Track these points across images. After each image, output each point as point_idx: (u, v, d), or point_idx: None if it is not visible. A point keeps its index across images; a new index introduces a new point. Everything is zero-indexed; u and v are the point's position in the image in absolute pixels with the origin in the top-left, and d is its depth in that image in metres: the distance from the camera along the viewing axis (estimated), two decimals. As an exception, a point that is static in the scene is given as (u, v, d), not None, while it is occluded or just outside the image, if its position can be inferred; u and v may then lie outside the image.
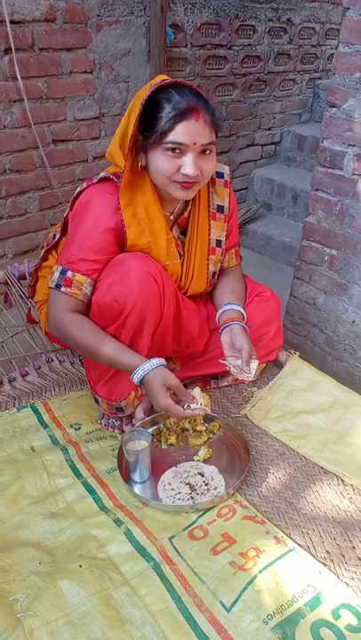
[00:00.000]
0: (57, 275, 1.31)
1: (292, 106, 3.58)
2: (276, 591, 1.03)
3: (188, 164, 1.23)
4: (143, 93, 1.24)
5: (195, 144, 1.22)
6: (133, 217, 1.30)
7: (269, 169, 3.55)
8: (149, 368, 1.25)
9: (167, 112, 1.20)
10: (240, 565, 1.08)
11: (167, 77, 1.27)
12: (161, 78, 1.26)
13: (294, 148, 3.55)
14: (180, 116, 1.19)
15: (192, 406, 1.27)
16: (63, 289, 1.30)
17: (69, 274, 1.29)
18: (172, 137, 1.21)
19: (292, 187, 3.27)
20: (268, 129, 3.50)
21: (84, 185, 1.39)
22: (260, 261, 3.13)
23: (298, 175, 3.40)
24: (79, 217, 1.32)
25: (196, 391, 1.30)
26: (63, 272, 1.30)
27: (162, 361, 1.27)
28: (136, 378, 1.26)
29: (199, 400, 1.28)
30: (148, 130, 1.24)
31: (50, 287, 1.32)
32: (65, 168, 2.50)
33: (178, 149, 1.22)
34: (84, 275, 1.30)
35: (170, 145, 1.22)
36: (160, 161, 1.25)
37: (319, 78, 3.66)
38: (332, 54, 3.65)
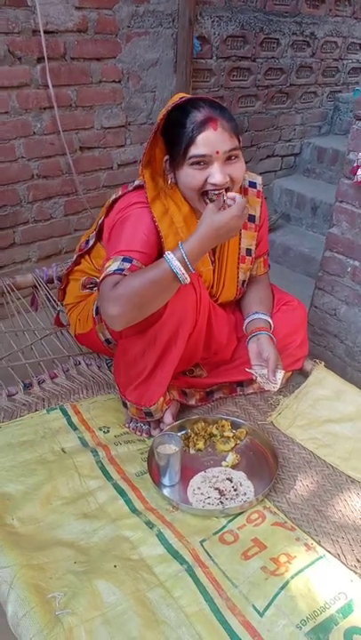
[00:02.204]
0: (118, 262, 1.24)
1: (312, 118, 3.62)
2: (308, 597, 1.04)
3: (216, 173, 1.25)
4: (162, 114, 1.28)
5: (217, 153, 1.24)
6: (170, 227, 1.32)
7: (289, 180, 3.58)
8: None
9: (185, 128, 1.24)
10: (272, 571, 1.09)
11: (185, 95, 1.31)
12: (179, 96, 1.30)
13: (314, 160, 3.58)
14: (198, 128, 1.23)
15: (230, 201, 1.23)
16: (127, 272, 1.23)
17: (135, 262, 1.24)
18: (193, 151, 1.24)
19: (312, 198, 3.30)
20: (289, 140, 3.53)
21: (120, 192, 1.42)
22: (278, 271, 3.14)
23: (317, 187, 3.43)
24: (122, 219, 1.34)
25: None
26: (128, 260, 1.24)
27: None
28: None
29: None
30: (173, 149, 1.28)
31: (105, 276, 1.24)
32: (90, 175, 2.54)
33: (202, 162, 1.25)
34: (143, 264, 1.27)
35: (193, 159, 1.25)
36: (188, 176, 1.28)
37: (340, 91, 3.70)
38: (353, 68, 3.69)
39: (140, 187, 1.37)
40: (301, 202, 3.38)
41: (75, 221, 2.59)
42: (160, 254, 1.33)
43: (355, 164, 1.77)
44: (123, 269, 1.23)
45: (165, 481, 1.31)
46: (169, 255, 1.18)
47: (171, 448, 1.31)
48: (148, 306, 1.23)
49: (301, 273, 3.11)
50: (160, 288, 1.20)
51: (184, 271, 1.17)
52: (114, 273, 1.23)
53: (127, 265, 1.24)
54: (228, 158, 1.27)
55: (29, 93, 2.17)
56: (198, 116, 1.23)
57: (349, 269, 1.99)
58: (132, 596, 1.01)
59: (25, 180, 2.32)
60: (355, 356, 2.06)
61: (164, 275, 1.17)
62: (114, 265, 1.24)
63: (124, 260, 1.25)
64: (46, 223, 2.48)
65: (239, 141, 1.30)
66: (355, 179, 1.77)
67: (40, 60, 2.14)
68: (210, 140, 1.23)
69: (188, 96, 1.29)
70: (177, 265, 1.16)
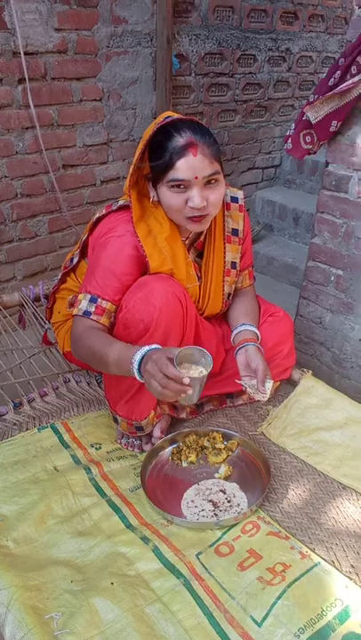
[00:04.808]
0: (86, 303, 1.33)
1: (290, 130, 3.69)
2: (305, 605, 1.05)
3: (195, 197, 1.28)
4: (148, 134, 1.30)
5: (196, 178, 1.26)
6: (154, 246, 1.34)
7: (270, 191, 3.63)
8: (147, 350, 1.18)
9: (166, 151, 1.26)
10: (268, 580, 1.10)
11: (172, 114, 1.33)
12: (164, 116, 1.32)
13: (294, 171, 3.65)
14: (178, 153, 1.25)
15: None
16: (94, 317, 1.33)
17: (100, 302, 1.32)
18: (172, 175, 1.27)
19: (293, 208, 3.35)
20: (269, 152, 3.60)
21: (103, 211, 1.44)
22: (262, 282, 3.18)
23: (298, 197, 3.49)
24: (102, 244, 1.36)
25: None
26: (93, 300, 1.33)
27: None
28: (136, 358, 1.18)
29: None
30: (154, 170, 1.31)
31: (76, 315, 1.34)
32: (74, 192, 2.56)
33: (182, 185, 1.28)
34: (113, 303, 1.34)
35: (172, 182, 1.28)
36: (167, 197, 1.31)
37: (316, 104, 3.78)
38: (328, 81, 3.77)
39: (124, 207, 1.39)
40: (283, 212, 3.43)
41: (59, 238, 2.60)
42: (144, 272, 1.35)
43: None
44: (90, 312, 1.33)
45: (183, 400, 1.21)
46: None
47: (196, 369, 1.22)
48: (92, 361, 1.34)
49: (286, 282, 3.15)
50: (103, 365, 1.29)
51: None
52: (83, 315, 1.33)
53: (93, 307, 1.33)
54: (208, 182, 1.29)
55: (11, 114, 2.19)
56: (180, 140, 1.25)
57: (333, 278, 2.02)
58: (130, 613, 1.01)
59: (9, 198, 2.33)
60: (341, 364, 2.09)
61: (109, 362, 1.25)
62: (83, 304, 1.34)
63: (91, 299, 1.34)
64: (31, 241, 2.49)
65: (221, 165, 1.32)
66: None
67: (21, 80, 2.16)
68: (189, 165, 1.25)
69: (175, 116, 1.31)
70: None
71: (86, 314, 1.33)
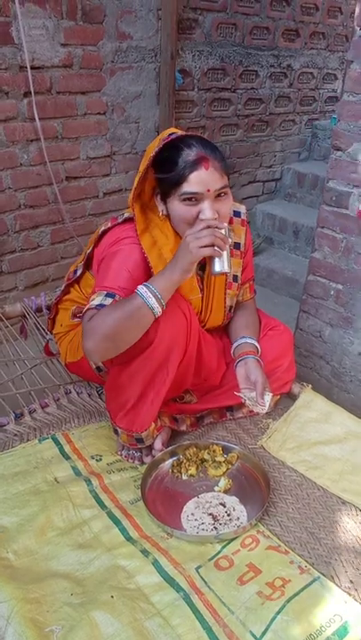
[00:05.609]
0: (101, 298, 1.29)
1: (291, 145, 3.74)
2: (304, 621, 1.05)
3: (206, 209, 1.29)
4: (152, 150, 1.31)
5: (208, 191, 1.29)
6: (159, 257, 1.36)
7: (270, 204, 3.67)
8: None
9: (177, 165, 1.28)
10: (267, 595, 1.10)
11: (176, 130, 1.35)
12: (169, 132, 1.34)
13: (294, 185, 3.69)
14: (191, 167, 1.27)
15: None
16: None
17: (118, 298, 1.29)
18: (185, 188, 1.29)
19: (294, 222, 3.38)
20: (270, 166, 3.64)
21: (109, 224, 1.45)
22: (262, 294, 3.19)
23: (298, 210, 3.52)
24: (111, 253, 1.37)
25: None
26: (110, 295, 1.29)
27: None
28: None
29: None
30: (164, 184, 1.32)
31: (88, 309, 1.29)
32: (77, 203, 2.59)
33: (194, 198, 1.30)
34: None
35: (185, 196, 1.29)
36: (178, 210, 1.33)
37: (317, 119, 3.84)
38: (329, 97, 3.83)
39: (129, 219, 1.40)
40: (283, 226, 3.46)
41: (61, 249, 2.62)
42: None
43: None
44: (105, 305, 1.27)
45: (217, 266, 1.30)
46: (141, 289, 1.23)
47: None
48: (120, 339, 1.27)
49: (286, 295, 3.17)
50: (130, 319, 1.24)
51: (155, 302, 1.23)
52: (95, 308, 1.28)
53: (110, 300, 1.28)
54: (218, 195, 1.32)
55: (16, 126, 2.22)
56: (191, 154, 1.28)
57: (333, 292, 2.04)
58: (130, 627, 1.02)
59: (12, 209, 2.35)
60: (341, 377, 2.10)
61: (135, 307, 1.23)
62: (97, 300, 1.29)
63: (107, 295, 1.30)
64: (33, 252, 2.51)
65: (228, 179, 1.35)
66: None
67: (27, 94, 2.19)
68: (202, 178, 1.28)
69: (179, 132, 1.33)
70: (147, 295, 1.23)
71: (100, 306, 1.27)
